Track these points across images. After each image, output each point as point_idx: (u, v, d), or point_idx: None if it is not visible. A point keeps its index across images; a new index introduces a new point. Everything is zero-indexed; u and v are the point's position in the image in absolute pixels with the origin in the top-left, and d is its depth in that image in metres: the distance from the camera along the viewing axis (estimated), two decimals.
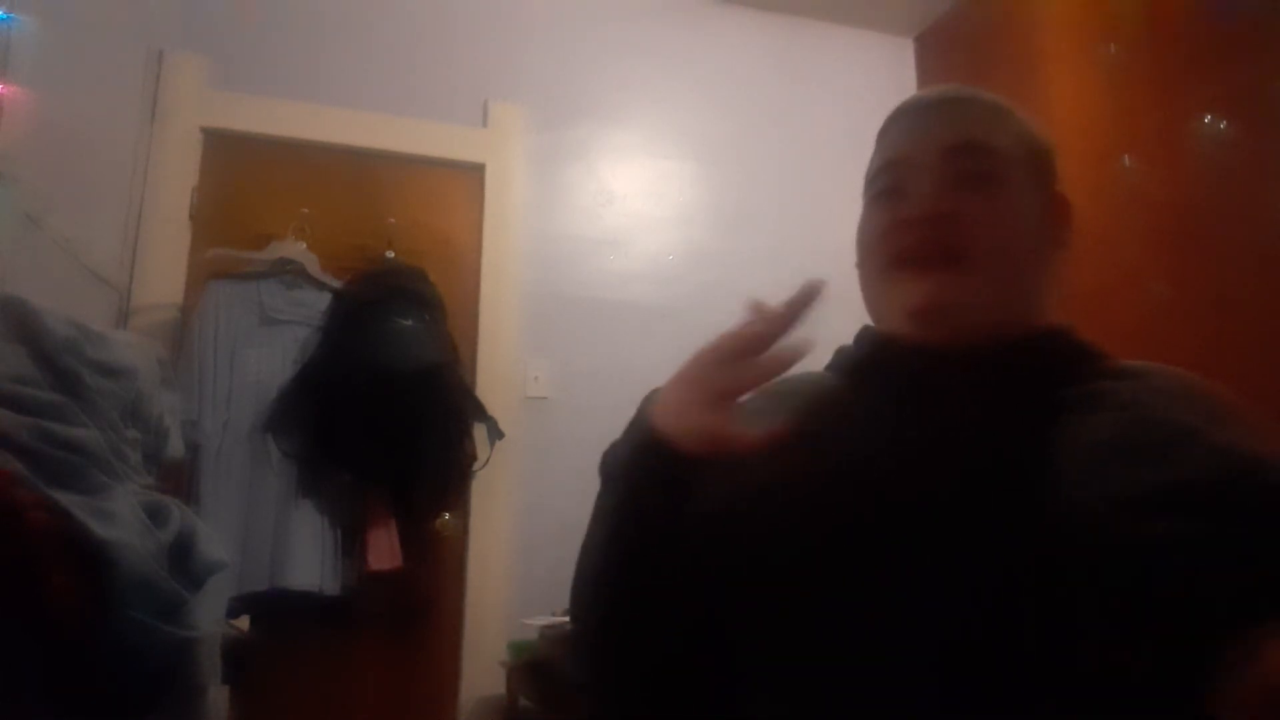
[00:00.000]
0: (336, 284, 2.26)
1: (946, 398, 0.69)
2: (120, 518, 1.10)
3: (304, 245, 2.27)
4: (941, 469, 0.64)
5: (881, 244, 0.76)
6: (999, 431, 0.66)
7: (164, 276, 2.24)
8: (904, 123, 0.79)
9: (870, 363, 0.78)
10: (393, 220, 2.40)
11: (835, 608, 0.62)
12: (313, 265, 2.27)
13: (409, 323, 2.20)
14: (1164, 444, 0.61)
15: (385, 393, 2.11)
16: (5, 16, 1.41)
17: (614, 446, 0.74)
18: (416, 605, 2.24)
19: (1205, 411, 0.65)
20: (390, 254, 2.35)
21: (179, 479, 1.91)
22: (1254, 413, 0.67)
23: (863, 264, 0.81)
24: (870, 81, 2.93)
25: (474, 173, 2.56)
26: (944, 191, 0.72)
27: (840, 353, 0.84)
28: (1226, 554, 0.55)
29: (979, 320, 0.71)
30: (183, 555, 1.22)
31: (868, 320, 0.83)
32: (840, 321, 0.82)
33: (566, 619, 1.92)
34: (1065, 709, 0.55)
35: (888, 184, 0.77)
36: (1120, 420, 0.64)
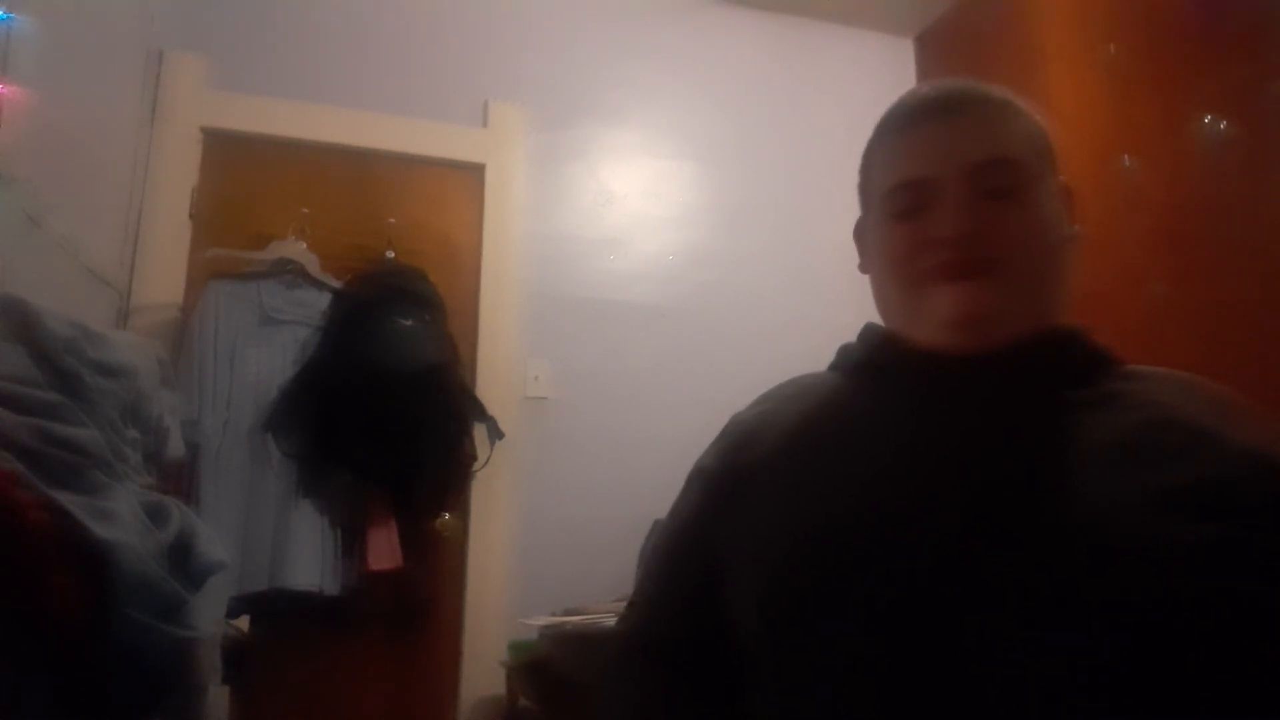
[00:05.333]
0: (336, 284, 2.26)
1: (965, 402, 0.68)
2: (120, 518, 1.10)
3: (304, 245, 2.27)
4: (966, 476, 0.64)
5: (911, 261, 0.75)
6: (1019, 435, 0.66)
7: (164, 276, 2.23)
8: (918, 136, 0.77)
9: (880, 363, 0.78)
10: (393, 220, 2.40)
11: (884, 619, 0.61)
12: (313, 265, 2.27)
13: (409, 323, 2.20)
14: (1184, 445, 0.61)
15: (385, 393, 2.11)
16: (5, 16, 1.41)
17: None
18: (416, 605, 2.24)
19: (1221, 411, 0.65)
20: (390, 254, 2.35)
21: (179, 479, 1.91)
22: (1265, 412, 0.67)
23: (883, 278, 0.80)
24: (870, 81, 2.93)
25: (474, 173, 2.56)
26: (973, 209, 0.72)
27: (845, 351, 0.83)
28: (1255, 556, 0.55)
29: (1012, 325, 0.71)
30: (183, 555, 1.22)
31: (861, 319, 0.82)
32: (843, 319, 0.82)
33: (566, 619, 1.92)
34: (1096, 711, 0.54)
35: (909, 203, 0.76)
36: (1137, 421, 0.64)
